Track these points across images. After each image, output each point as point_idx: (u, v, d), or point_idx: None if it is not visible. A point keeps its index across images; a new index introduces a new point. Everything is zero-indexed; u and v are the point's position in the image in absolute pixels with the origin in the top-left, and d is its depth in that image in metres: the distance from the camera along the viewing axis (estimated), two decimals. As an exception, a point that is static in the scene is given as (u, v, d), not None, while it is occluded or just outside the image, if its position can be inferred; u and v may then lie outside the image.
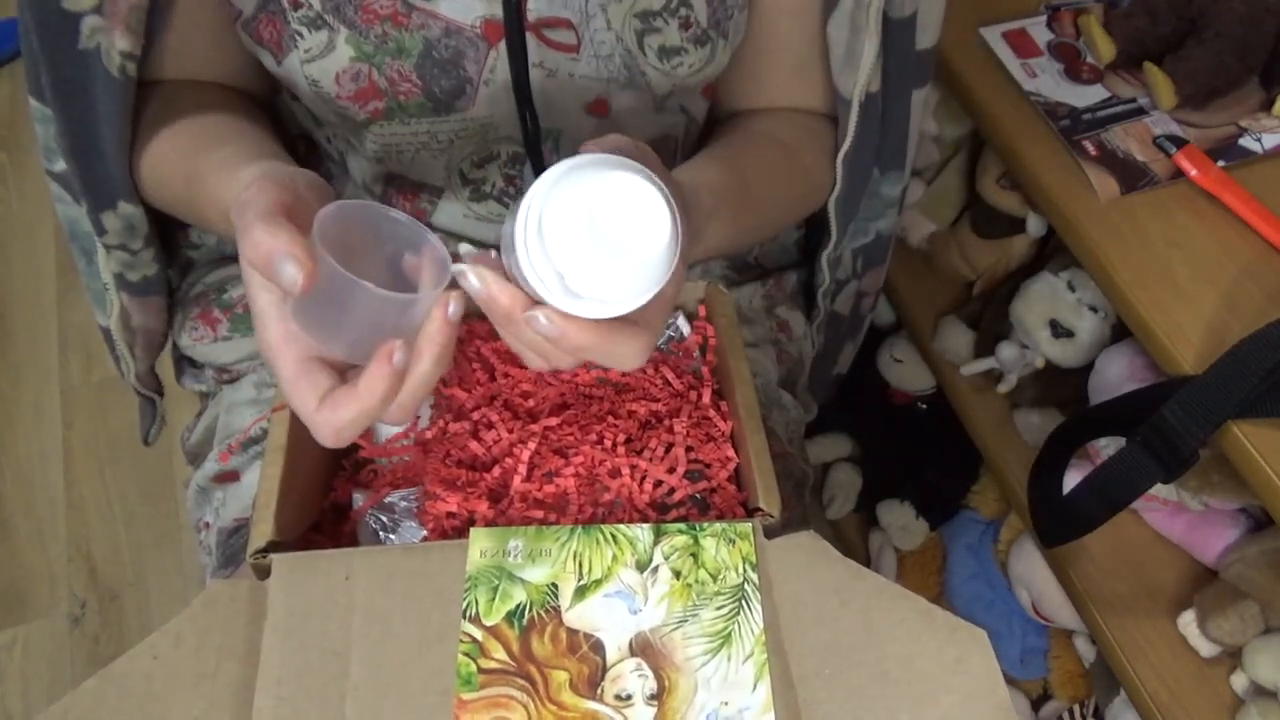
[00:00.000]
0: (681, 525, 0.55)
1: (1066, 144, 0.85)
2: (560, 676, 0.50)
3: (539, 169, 0.71)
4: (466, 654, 0.50)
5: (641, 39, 0.64)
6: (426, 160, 0.70)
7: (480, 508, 0.58)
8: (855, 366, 1.01)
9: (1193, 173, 0.82)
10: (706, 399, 0.65)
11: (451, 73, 0.63)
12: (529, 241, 0.44)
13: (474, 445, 0.62)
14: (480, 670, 0.50)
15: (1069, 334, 0.96)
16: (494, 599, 0.52)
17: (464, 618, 0.51)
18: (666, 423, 0.64)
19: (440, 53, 0.62)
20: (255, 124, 0.66)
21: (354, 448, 0.66)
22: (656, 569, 0.53)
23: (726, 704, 0.49)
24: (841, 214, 0.76)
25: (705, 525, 0.55)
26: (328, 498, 0.65)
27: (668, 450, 0.62)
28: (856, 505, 1.34)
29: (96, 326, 0.78)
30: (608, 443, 0.62)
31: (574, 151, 0.71)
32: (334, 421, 0.48)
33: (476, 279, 0.47)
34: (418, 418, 0.66)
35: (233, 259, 0.81)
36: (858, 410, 1.31)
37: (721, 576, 0.53)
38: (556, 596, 0.52)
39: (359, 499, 0.63)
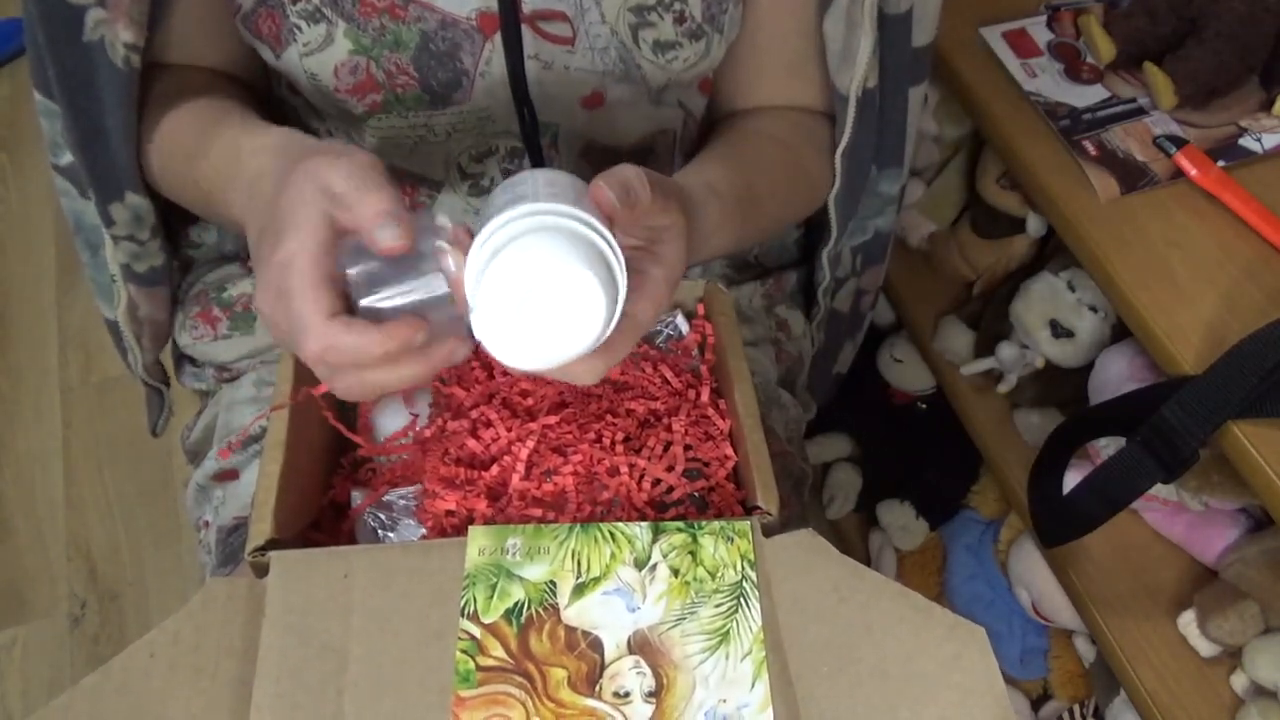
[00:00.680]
0: (680, 523, 0.55)
1: (1066, 144, 0.85)
2: (558, 674, 0.50)
3: (537, 164, 0.71)
4: (465, 651, 0.50)
5: (636, 32, 0.65)
6: (425, 153, 0.70)
7: (479, 506, 0.58)
8: (855, 366, 1.01)
9: (1193, 173, 0.82)
10: (705, 397, 0.65)
11: (448, 65, 0.64)
12: (470, 285, 0.46)
13: (472, 443, 0.62)
14: (478, 668, 0.50)
15: (1069, 334, 0.96)
16: (492, 597, 0.52)
17: (462, 615, 0.51)
18: (665, 421, 0.64)
19: (437, 45, 0.63)
20: (253, 108, 0.67)
21: (353, 446, 0.66)
22: (655, 567, 0.53)
23: (725, 701, 0.49)
24: (841, 210, 0.76)
25: (704, 523, 0.55)
26: (326, 496, 0.65)
27: (666, 449, 0.62)
28: (856, 505, 1.34)
29: (96, 327, 0.78)
30: (606, 441, 0.62)
31: (574, 151, 0.72)
32: (333, 339, 0.46)
33: (454, 264, 0.47)
34: (416, 415, 0.66)
35: (232, 258, 0.81)
36: (858, 410, 1.31)
37: (720, 574, 0.53)
38: (555, 594, 0.52)
39: (358, 497, 0.63)
